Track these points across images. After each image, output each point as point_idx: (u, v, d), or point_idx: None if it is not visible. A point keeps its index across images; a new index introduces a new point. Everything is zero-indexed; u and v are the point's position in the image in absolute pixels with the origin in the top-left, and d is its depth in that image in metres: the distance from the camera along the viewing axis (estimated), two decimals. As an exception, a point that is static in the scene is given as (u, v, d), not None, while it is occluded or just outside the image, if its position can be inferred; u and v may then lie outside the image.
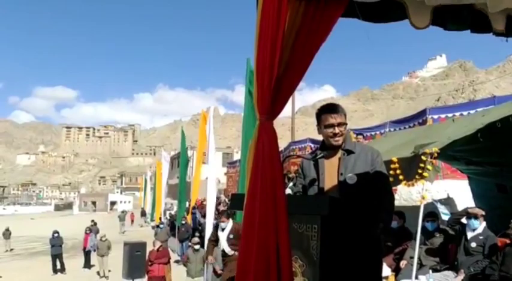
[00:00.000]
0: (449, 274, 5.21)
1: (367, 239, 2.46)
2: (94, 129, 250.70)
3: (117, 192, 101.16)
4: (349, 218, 2.34)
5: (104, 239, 15.33)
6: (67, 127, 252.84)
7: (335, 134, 2.72)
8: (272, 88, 1.50)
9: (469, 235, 5.34)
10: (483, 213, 5.43)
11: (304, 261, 2.18)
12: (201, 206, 17.64)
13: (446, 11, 1.66)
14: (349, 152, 2.78)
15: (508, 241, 5.04)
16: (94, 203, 78.92)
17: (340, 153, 2.79)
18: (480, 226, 5.33)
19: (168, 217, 24.17)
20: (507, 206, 6.61)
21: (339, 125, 2.73)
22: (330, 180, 2.77)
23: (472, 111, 10.11)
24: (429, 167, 4.80)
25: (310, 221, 2.18)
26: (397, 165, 5.06)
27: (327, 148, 2.83)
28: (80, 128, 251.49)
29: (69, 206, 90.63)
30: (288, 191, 3.59)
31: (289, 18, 1.48)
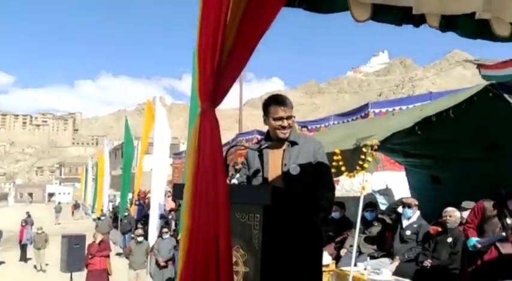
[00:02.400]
0: (385, 260, 5.45)
1: (308, 228, 2.50)
2: (31, 117, 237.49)
3: (56, 183, 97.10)
4: (291, 208, 2.37)
5: (40, 231, 14.69)
6: (2, 114, 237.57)
7: (283, 127, 2.73)
8: (215, 74, 1.48)
9: (404, 223, 5.62)
10: (416, 203, 5.73)
11: (246, 250, 2.18)
12: (145, 198, 17.29)
13: (384, 6, 1.71)
14: (293, 143, 2.81)
15: (440, 229, 5.35)
16: (31, 194, 75.27)
17: (284, 144, 2.81)
18: (414, 214, 5.62)
19: (111, 209, 23.51)
20: (441, 197, 7.02)
21: (288, 118, 2.73)
22: (274, 170, 2.78)
23: (410, 106, 10.61)
24: (369, 158, 4.97)
25: (252, 211, 2.18)
26: (339, 157, 5.20)
27: (271, 139, 2.84)
28: (16, 115, 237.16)
29: (3, 197, 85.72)
30: (235, 182, 3.58)
31: (233, 5, 1.46)
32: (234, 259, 2.19)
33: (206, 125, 1.52)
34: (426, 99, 11.24)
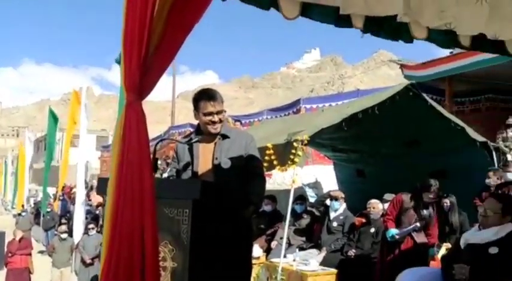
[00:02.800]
0: (313, 251, 5.65)
1: (238, 222, 2.52)
2: None
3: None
4: (221, 202, 2.37)
5: (-48, 230, 13.50)
6: None
7: (214, 122, 2.70)
8: (141, 66, 1.43)
9: (332, 215, 5.85)
10: (343, 195, 5.98)
11: (174, 246, 2.15)
12: (70, 193, 16.49)
13: (313, 5, 1.76)
14: (224, 136, 2.80)
15: (364, 220, 5.63)
16: None
17: (216, 138, 2.80)
18: (341, 207, 5.86)
19: (32, 204, 22.13)
20: (365, 189, 7.39)
21: (218, 113, 2.71)
22: (204, 164, 2.76)
23: (339, 103, 11.05)
24: (300, 153, 5.11)
25: (181, 206, 2.16)
26: (272, 151, 5.29)
27: (202, 133, 2.81)
28: None
29: None
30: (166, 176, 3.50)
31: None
32: (161, 255, 2.16)
33: (132, 118, 1.47)
34: (354, 96, 11.75)
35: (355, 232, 5.48)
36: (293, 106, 13.58)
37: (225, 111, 2.80)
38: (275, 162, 5.26)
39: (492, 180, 5.75)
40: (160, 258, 2.14)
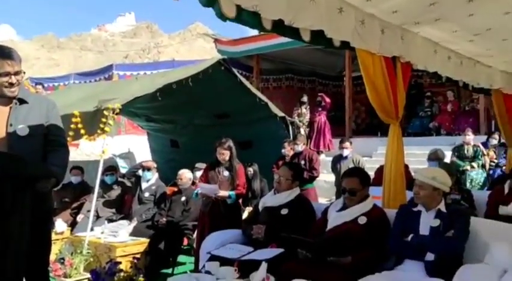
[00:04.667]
0: (124, 222, 5.56)
1: (34, 195, 2.29)
2: None
3: None
4: (15, 174, 2.13)
5: None
6: None
7: (11, 84, 2.41)
8: None
9: (143, 185, 5.83)
10: (155, 165, 6.01)
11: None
12: None
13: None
14: (21, 101, 2.51)
15: (176, 189, 5.77)
16: None
17: (11, 102, 2.49)
18: (153, 177, 5.88)
19: None
20: (179, 159, 7.58)
21: (16, 73, 2.42)
22: (-4, 132, 2.43)
23: (154, 72, 10.92)
24: (111, 122, 4.89)
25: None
26: (79, 119, 4.93)
27: None
28: None
29: None
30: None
31: None
32: None
33: None
34: (169, 66, 11.78)
35: (166, 201, 5.58)
36: (105, 72, 12.86)
37: (24, 73, 2.51)
38: (82, 131, 4.92)
39: (287, 150, 6.55)
40: None
